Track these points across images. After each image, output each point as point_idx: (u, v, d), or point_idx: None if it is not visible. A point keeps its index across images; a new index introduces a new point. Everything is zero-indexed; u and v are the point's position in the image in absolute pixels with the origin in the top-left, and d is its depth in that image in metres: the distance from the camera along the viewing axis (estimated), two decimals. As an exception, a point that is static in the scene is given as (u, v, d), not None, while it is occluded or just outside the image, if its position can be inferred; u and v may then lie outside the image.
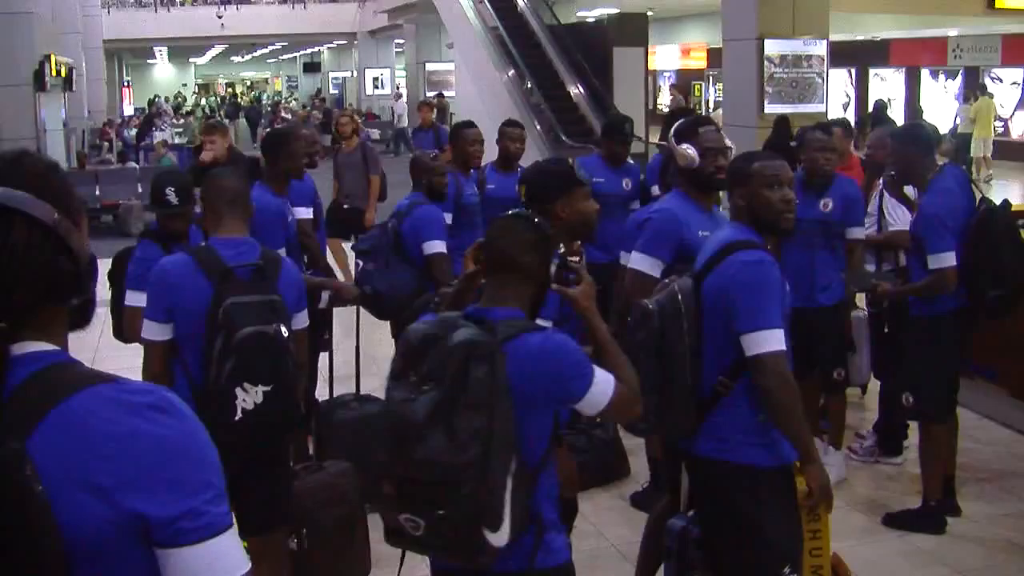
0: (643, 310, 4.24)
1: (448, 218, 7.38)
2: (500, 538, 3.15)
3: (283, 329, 4.42)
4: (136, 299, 4.87)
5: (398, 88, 46.60)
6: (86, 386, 1.76)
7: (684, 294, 4.18)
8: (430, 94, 35.88)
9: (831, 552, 4.52)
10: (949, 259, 5.98)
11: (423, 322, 3.35)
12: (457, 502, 3.08)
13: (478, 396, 3.09)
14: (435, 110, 18.34)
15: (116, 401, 1.76)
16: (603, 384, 3.37)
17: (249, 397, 4.32)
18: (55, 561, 1.64)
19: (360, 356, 7.22)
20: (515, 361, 3.19)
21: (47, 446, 1.68)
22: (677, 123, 5.68)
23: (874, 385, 7.96)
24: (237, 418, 4.33)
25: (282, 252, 6.24)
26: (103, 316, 7.27)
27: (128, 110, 50.82)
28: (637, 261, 5.22)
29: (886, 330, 7.38)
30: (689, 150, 5.19)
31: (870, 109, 28.09)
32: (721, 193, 5.28)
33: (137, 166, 24.60)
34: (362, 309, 7.18)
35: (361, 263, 7.01)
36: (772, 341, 3.99)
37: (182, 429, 1.80)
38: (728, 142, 5.28)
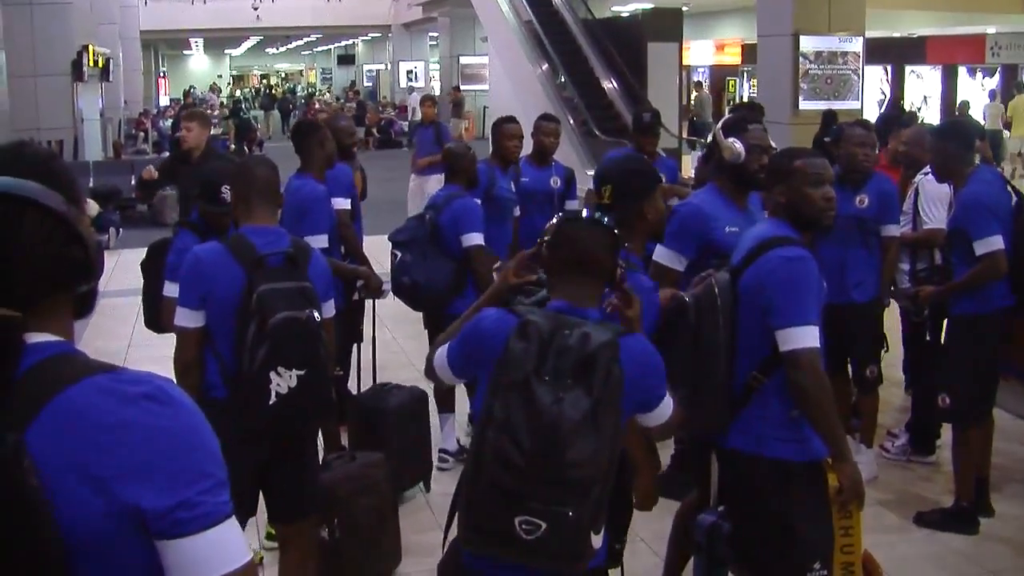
0: (679, 303, 4.25)
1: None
2: (598, 540, 3.16)
3: (315, 314, 4.45)
4: (174, 290, 4.90)
5: (410, 82, 46.59)
6: (84, 377, 1.76)
7: (721, 288, 4.18)
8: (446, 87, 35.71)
9: (862, 549, 4.50)
10: (997, 242, 5.94)
11: (538, 315, 3.30)
12: (586, 503, 3.07)
13: (614, 396, 3.13)
14: (440, 105, 17.83)
15: (111, 391, 1.75)
16: (669, 400, 3.47)
17: (283, 382, 4.36)
18: (53, 552, 1.65)
19: (376, 345, 7.24)
20: (629, 363, 3.21)
21: (45, 437, 1.68)
22: (725, 117, 5.67)
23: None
24: (271, 402, 4.36)
25: (324, 239, 6.29)
26: (136, 306, 7.35)
27: (164, 101, 51.03)
28: (660, 255, 5.23)
29: (928, 338, 7.29)
30: (736, 144, 5.19)
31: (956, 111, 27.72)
32: None
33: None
34: (377, 301, 7.22)
35: (399, 254, 7.02)
36: (807, 337, 3.99)
37: (177, 418, 1.79)
38: (772, 142, 5.26)
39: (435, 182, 11.73)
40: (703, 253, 5.13)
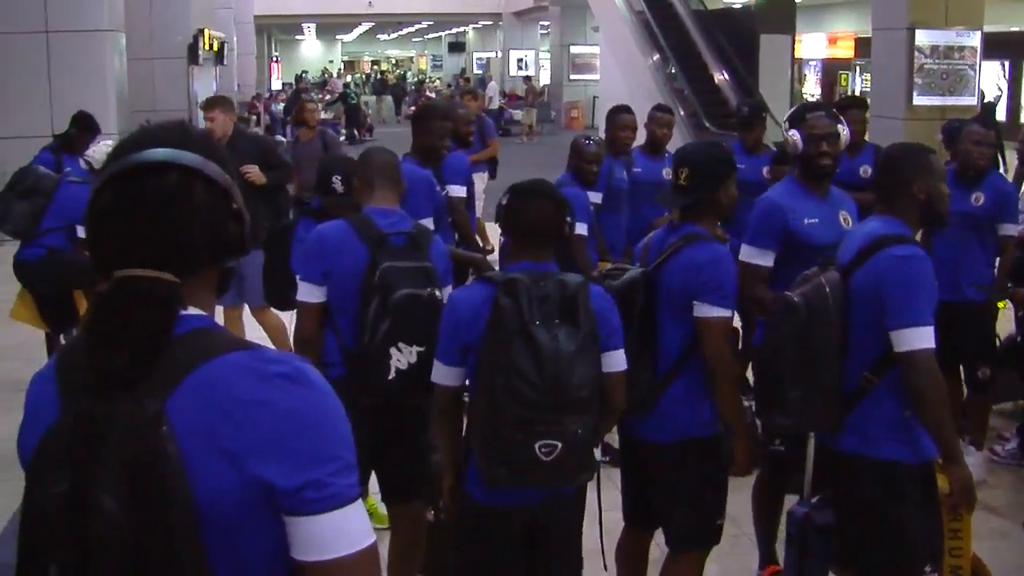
0: (788, 303, 4.21)
1: (598, 197, 7.45)
2: (598, 453, 3.90)
3: (436, 293, 4.51)
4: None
5: (521, 70, 46.43)
6: (224, 352, 1.80)
7: (832, 288, 4.12)
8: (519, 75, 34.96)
9: (971, 553, 4.47)
10: None
11: (515, 274, 3.91)
12: (588, 421, 3.76)
13: (594, 329, 3.82)
14: (477, 99, 16.63)
15: (250, 369, 1.79)
16: (623, 355, 4.05)
17: (404, 357, 4.44)
18: (186, 519, 1.69)
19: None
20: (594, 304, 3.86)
21: (183, 409, 1.73)
22: (792, 109, 5.66)
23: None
24: (390, 377, 4.45)
25: (427, 224, 6.36)
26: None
27: (276, 85, 51.62)
28: (745, 254, 5.21)
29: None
30: (794, 135, 5.20)
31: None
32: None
33: (284, 139, 24.99)
34: None
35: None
36: (923, 338, 3.93)
37: (312, 400, 1.82)
38: (841, 128, 5.23)
39: (478, 179, 11.22)
40: (787, 246, 5.11)
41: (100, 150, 8.07)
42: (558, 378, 3.65)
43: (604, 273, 4.60)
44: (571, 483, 3.92)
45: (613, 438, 7.40)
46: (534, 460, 3.68)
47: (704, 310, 4.37)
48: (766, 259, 5.13)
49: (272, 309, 8.30)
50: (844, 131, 5.23)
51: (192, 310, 1.87)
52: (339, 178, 5.67)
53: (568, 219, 4.22)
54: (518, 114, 39.32)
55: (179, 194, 1.85)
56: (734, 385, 4.53)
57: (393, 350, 4.43)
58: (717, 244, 4.56)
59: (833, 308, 4.10)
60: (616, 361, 4.02)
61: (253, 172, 8.11)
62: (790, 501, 4.96)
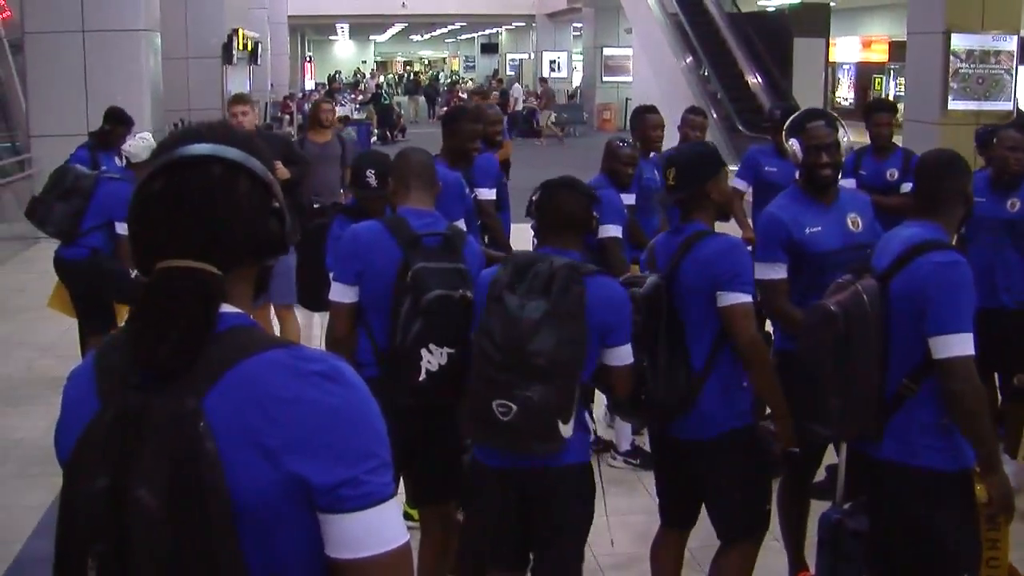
0: (825, 312, 4.16)
1: (631, 199, 7.43)
2: (567, 430, 4.03)
3: (469, 295, 4.51)
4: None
5: (553, 72, 46.31)
6: (263, 350, 1.82)
7: (870, 295, 4.07)
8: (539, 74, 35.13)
9: (1008, 562, 4.44)
10: None
11: (521, 253, 4.45)
12: (549, 391, 3.95)
13: (574, 308, 4.02)
14: (487, 98, 16.28)
15: (288, 367, 1.80)
16: (629, 351, 4.29)
17: (434, 359, 4.44)
18: (223, 515, 1.71)
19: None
20: (593, 293, 4.10)
21: (221, 406, 1.75)
22: (789, 115, 5.66)
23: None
24: (421, 379, 4.44)
25: (461, 224, 6.36)
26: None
27: (309, 85, 51.78)
28: (758, 271, 5.11)
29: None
30: (794, 145, 5.22)
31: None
32: None
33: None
34: None
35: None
36: (963, 345, 3.88)
37: (349, 398, 1.83)
38: (841, 135, 5.24)
39: None
40: (793, 256, 5.10)
41: (136, 144, 8.12)
42: (515, 341, 3.96)
43: (625, 281, 4.66)
44: (527, 451, 4.11)
45: (642, 440, 7.43)
46: (493, 419, 4.00)
47: (727, 299, 4.45)
48: (778, 272, 5.12)
49: (297, 312, 8.36)
50: (845, 137, 5.26)
51: (230, 308, 1.88)
52: (373, 172, 5.69)
53: (596, 214, 4.50)
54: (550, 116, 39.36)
55: (222, 187, 1.88)
56: (770, 368, 4.57)
57: (424, 351, 4.43)
58: (725, 235, 4.66)
59: (872, 316, 4.05)
60: (618, 356, 4.27)
61: (279, 168, 8.15)
62: (817, 507, 4.96)
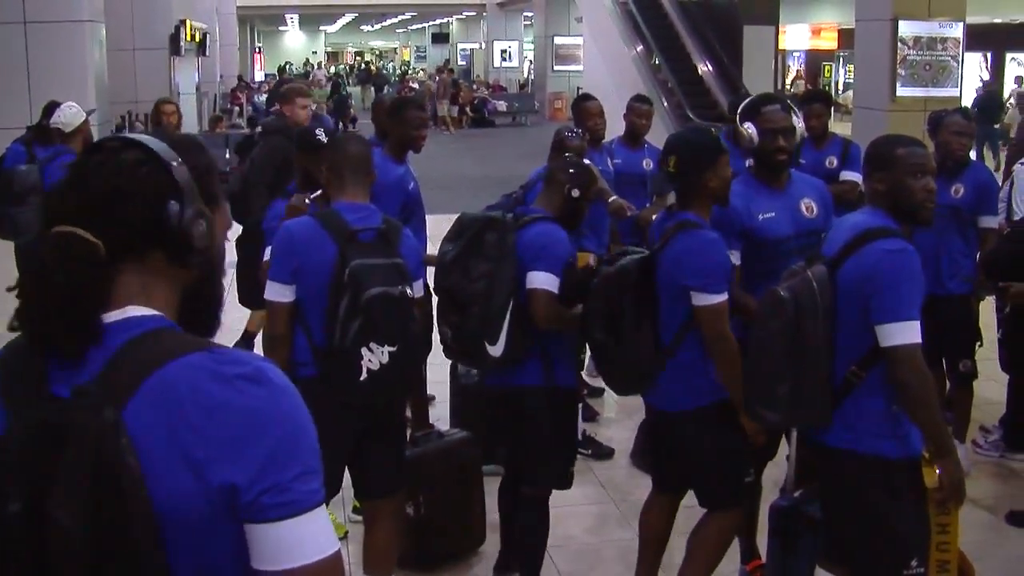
0: (775, 298, 4.14)
1: None
2: (496, 350, 4.85)
3: (408, 291, 4.47)
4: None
5: (504, 62, 46.32)
6: (182, 354, 1.74)
7: (819, 282, 4.06)
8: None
9: (958, 547, 4.43)
10: None
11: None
12: (468, 318, 4.89)
13: (488, 252, 4.85)
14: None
15: (208, 370, 1.73)
16: (544, 278, 4.88)
17: (375, 357, 4.36)
18: (148, 531, 1.64)
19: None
20: (523, 240, 4.91)
21: (142, 416, 1.67)
22: (744, 102, 5.63)
23: (1002, 378, 7.75)
24: (362, 378, 4.37)
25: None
26: (230, 279, 7.43)
27: (259, 76, 51.49)
28: None
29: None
30: (749, 129, 5.16)
31: None
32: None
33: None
34: None
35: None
36: (910, 333, 3.88)
37: (274, 401, 1.75)
38: (795, 121, 5.21)
39: None
40: (747, 243, 5.09)
41: (66, 112, 8.07)
42: (441, 278, 5.06)
43: (609, 258, 4.90)
44: (469, 365, 5.72)
45: (594, 431, 7.41)
46: (445, 339, 5.10)
47: (697, 299, 4.53)
48: (732, 258, 5.08)
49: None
50: (799, 124, 5.24)
51: (147, 310, 1.81)
52: (322, 131, 5.88)
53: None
54: (502, 105, 39.30)
55: (128, 166, 1.82)
56: (737, 366, 4.53)
57: (364, 350, 4.35)
58: (705, 231, 4.68)
59: (821, 302, 4.03)
60: (529, 280, 4.91)
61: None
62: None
